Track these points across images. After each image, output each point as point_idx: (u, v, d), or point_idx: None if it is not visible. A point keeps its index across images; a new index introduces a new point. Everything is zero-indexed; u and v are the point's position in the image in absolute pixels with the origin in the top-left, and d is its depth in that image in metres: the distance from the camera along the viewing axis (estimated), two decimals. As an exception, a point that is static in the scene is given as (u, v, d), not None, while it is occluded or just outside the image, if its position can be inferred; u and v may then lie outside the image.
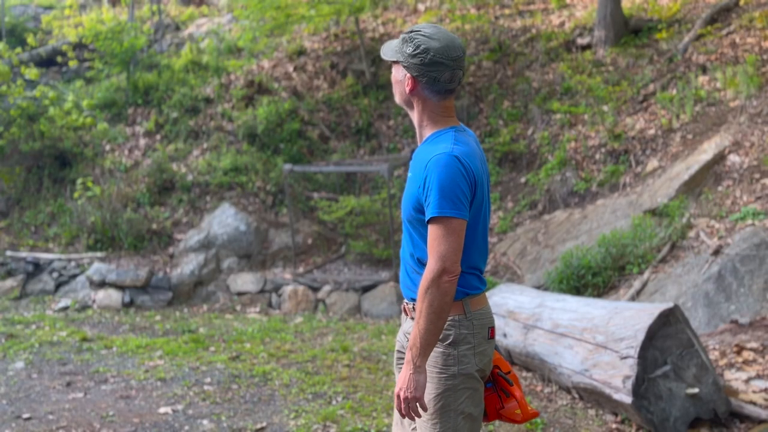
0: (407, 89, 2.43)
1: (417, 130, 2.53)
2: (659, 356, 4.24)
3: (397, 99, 2.54)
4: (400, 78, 2.47)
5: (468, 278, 2.44)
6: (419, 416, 2.37)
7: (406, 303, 2.56)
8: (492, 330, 2.50)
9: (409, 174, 2.50)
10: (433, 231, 2.31)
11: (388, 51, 2.51)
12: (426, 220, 2.34)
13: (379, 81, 11.42)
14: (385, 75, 11.47)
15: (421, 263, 2.43)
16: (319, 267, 8.98)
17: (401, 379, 2.35)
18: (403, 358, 2.61)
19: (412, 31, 2.43)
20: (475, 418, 2.46)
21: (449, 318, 2.41)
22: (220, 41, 12.70)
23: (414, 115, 2.51)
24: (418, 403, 2.33)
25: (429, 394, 2.39)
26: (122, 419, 4.71)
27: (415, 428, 2.58)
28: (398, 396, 2.36)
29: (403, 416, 2.38)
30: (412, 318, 2.53)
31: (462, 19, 12.39)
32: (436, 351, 2.41)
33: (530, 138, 10.00)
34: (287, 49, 12.23)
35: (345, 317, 8.03)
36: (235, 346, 6.45)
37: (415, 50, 2.38)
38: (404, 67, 2.42)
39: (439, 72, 2.37)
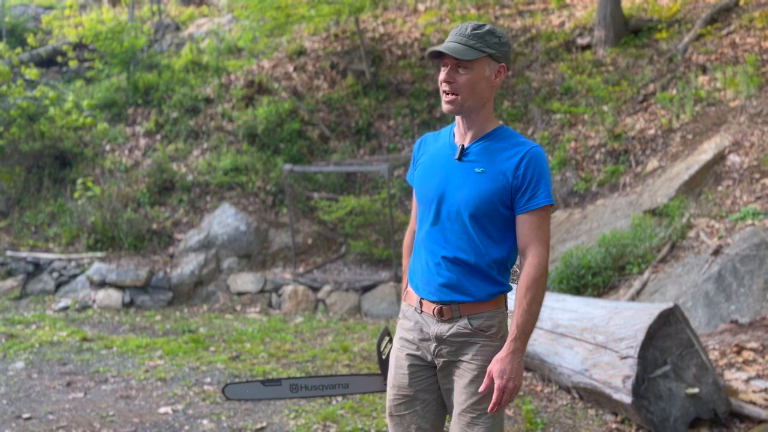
0: (497, 80, 2.45)
1: (478, 126, 2.47)
2: (659, 356, 4.24)
3: (468, 101, 2.42)
4: (485, 74, 2.41)
5: (508, 273, 2.52)
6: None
7: (444, 306, 2.46)
8: None
9: (478, 170, 2.43)
10: (537, 219, 2.39)
11: (465, 51, 2.37)
12: (525, 210, 2.39)
13: (379, 81, 11.43)
14: (385, 75, 11.47)
15: (496, 260, 2.44)
16: (319, 267, 8.99)
17: (508, 369, 2.31)
18: (419, 371, 2.55)
19: (484, 26, 2.43)
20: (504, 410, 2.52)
21: (500, 310, 2.48)
22: (220, 41, 12.71)
23: (481, 111, 2.47)
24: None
25: (483, 391, 2.40)
26: (122, 419, 4.71)
27: None
28: (504, 388, 2.31)
29: (498, 408, 2.35)
30: (448, 320, 2.46)
31: (462, 19, 12.39)
32: (492, 345, 2.44)
33: (530, 138, 10.00)
34: (287, 49, 12.23)
35: (345, 317, 8.03)
36: (235, 346, 6.45)
37: (501, 39, 2.44)
38: (495, 58, 2.42)
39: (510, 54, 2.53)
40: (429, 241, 2.50)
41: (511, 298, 2.49)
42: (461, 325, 2.44)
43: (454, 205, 2.44)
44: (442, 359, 2.49)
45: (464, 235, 2.43)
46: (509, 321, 2.43)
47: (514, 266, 2.55)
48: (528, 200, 2.38)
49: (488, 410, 2.35)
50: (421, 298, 2.52)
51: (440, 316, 2.47)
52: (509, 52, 2.48)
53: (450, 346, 2.47)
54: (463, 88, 2.40)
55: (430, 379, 2.56)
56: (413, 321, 2.57)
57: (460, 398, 2.44)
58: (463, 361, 2.45)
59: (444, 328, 2.47)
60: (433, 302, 2.49)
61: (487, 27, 2.43)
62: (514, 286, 2.49)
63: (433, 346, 2.50)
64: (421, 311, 2.53)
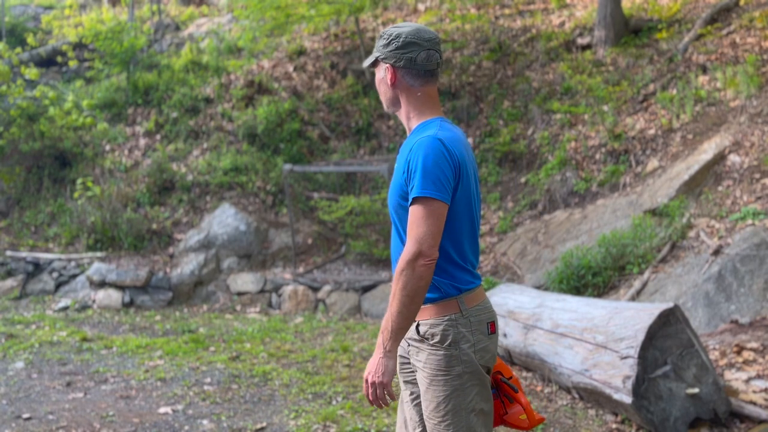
0: (389, 81, 2.47)
1: (405, 125, 2.53)
2: (659, 356, 4.24)
3: (385, 104, 2.56)
4: (381, 75, 2.51)
5: (460, 274, 2.40)
6: (387, 404, 2.35)
7: None
8: (492, 324, 2.45)
9: (395, 165, 2.49)
10: (413, 213, 2.28)
11: (367, 59, 2.57)
12: (409, 203, 2.31)
13: (379, 81, 11.42)
14: (385, 75, 11.47)
15: None
16: (319, 267, 8.98)
17: (370, 363, 2.33)
18: (406, 365, 2.59)
19: (383, 31, 2.52)
20: (487, 413, 2.43)
21: (446, 318, 2.37)
22: (220, 41, 12.71)
23: (401, 111, 2.51)
24: (386, 391, 2.30)
25: (438, 398, 2.37)
26: (122, 419, 4.71)
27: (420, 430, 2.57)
28: (366, 380, 2.33)
29: (371, 403, 2.36)
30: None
31: (462, 19, 12.39)
32: (438, 354, 2.38)
33: (530, 138, 9.99)
34: (287, 49, 12.23)
35: (345, 317, 8.02)
36: (235, 346, 6.45)
37: (387, 40, 2.47)
38: (382, 60, 2.48)
39: (414, 52, 2.43)
40: None
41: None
42: (412, 330, 2.47)
43: None
44: (411, 359, 2.53)
45: (396, 233, 2.48)
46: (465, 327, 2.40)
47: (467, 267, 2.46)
48: (411, 193, 2.32)
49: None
50: None
51: None
52: (399, 51, 2.43)
53: (412, 347, 2.50)
54: (378, 90, 2.56)
55: (416, 373, 2.58)
56: None
57: (423, 404, 2.46)
58: (419, 367, 2.46)
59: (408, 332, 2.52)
60: None
61: (382, 31, 2.51)
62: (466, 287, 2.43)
63: (406, 344, 2.56)
64: None
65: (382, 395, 2.32)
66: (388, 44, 2.46)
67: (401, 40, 2.43)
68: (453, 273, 2.39)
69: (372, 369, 2.32)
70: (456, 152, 2.33)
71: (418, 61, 2.43)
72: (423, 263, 2.24)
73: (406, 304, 2.25)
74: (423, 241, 2.24)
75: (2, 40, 12.32)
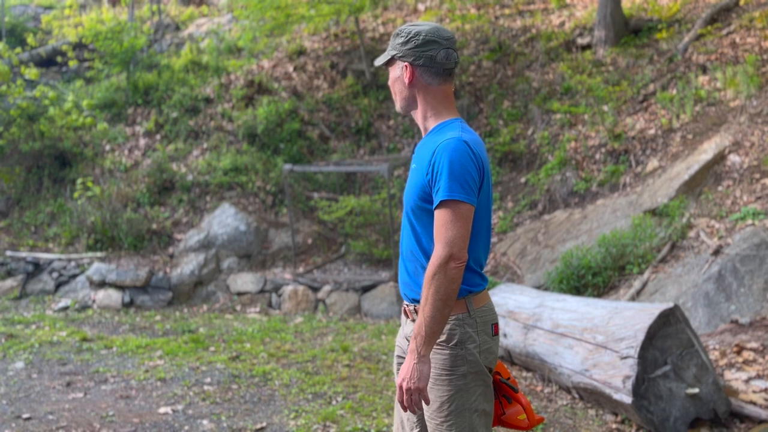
0: (407, 80, 2.44)
1: (421, 125, 2.51)
2: (659, 356, 4.24)
3: (398, 103, 2.52)
4: (397, 74, 2.48)
5: (471, 275, 2.41)
6: (421, 409, 2.34)
7: (407, 305, 2.51)
8: (496, 326, 2.47)
9: (413, 165, 2.48)
10: (441, 216, 2.28)
11: (380, 57, 2.54)
12: (434, 206, 2.31)
13: (379, 81, 11.43)
14: (385, 75, 11.47)
15: (429, 257, 2.38)
16: (319, 267, 8.98)
17: (404, 369, 2.30)
18: (403, 362, 2.59)
19: (399, 28, 2.50)
20: (488, 413, 2.43)
21: (453, 317, 2.37)
22: (220, 41, 12.71)
23: (417, 110, 2.49)
24: (420, 395, 2.29)
25: (441, 397, 2.36)
26: (122, 419, 4.71)
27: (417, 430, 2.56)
28: (401, 387, 2.31)
29: (404, 409, 2.34)
30: (413, 320, 2.49)
31: (462, 19, 12.39)
32: (443, 354, 2.37)
33: (530, 138, 10.00)
34: (287, 49, 12.23)
35: (345, 317, 8.03)
36: (235, 346, 6.45)
37: (406, 37, 2.44)
38: (399, 58, 2.45)
39: (434, 50, 2.42)
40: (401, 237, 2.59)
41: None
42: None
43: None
44: None
45: (409, 230, 2.47)
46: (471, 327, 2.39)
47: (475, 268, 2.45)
48: (435, 195, 2.32)
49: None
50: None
51: (406, 316, 2.52)
52: (417, 49, 2.41)
53: None
54: (391, 90, 2.53)
55: None
56: (402, 320, 2.63)
57: (424, 404, 2.45)
58: None
59: (408, 329, 2.51)
60: (405, 301, 2.53)
61: (398, 29, 2.48)
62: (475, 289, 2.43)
63: (406, 345, 2.54)
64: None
65: (418, 401, 2.30)
66: (406, 42, 2.43)
67: (421, 38, 2.41)
68: (465, 274, 2.38)
69: (407, 375, 2.29)
70: (480, 154, 2.36)
71: (438, 59, 2.42)
72: (455, 266, 2.25)
73: (440, 308, 2.25)
74: (454, 244, 2.25)
75: (2, 40, 12.32)
